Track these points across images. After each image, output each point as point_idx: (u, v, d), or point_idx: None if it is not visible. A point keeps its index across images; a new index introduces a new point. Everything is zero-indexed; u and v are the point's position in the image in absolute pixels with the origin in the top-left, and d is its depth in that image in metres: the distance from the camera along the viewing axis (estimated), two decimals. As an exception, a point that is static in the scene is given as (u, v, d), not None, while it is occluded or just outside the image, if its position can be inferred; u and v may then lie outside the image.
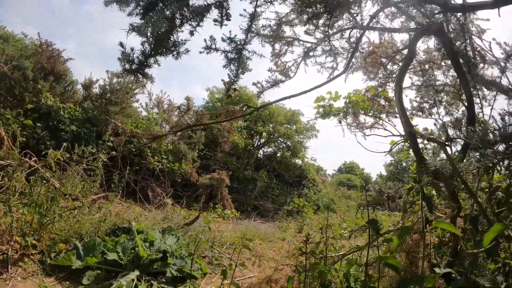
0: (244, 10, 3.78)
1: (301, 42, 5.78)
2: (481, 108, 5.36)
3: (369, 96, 7.46)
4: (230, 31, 3.67)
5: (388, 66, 7.16)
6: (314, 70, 6.16)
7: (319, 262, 5.01)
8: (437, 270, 2.86)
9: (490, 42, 5.54)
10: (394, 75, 7.39)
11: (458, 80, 5.36)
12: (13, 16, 43.67)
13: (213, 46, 3.58)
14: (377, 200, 4.07)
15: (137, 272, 5.07)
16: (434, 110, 7.54)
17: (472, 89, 4.91)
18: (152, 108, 15.03)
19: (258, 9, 3.77)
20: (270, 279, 4.89)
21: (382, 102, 7.86)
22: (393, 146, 8.17)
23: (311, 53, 5.89)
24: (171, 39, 3.21)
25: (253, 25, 4.02)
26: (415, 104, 7.61)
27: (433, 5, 4.37)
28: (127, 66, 3.31)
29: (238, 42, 3.75)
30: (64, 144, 9.99)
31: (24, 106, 10.24)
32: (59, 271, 5.08)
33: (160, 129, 13.55)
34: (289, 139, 19.16)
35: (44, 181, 6.83)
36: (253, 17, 3.78)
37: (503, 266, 3.07)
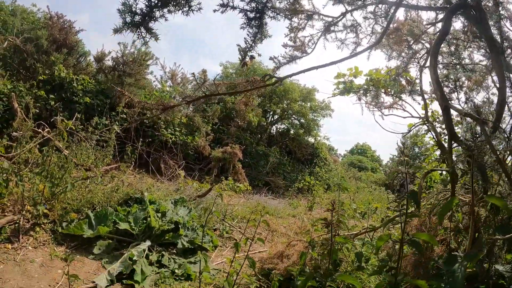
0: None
1: (321, 17, 5.52)
2: (512, 92, 5.12)
3: (391, 75, 7.23)
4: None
5: (413, 46, 6.93)
6: (334, 47, 5.91)
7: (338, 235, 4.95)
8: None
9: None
10: (418, 55, 7.16)
11: (489, 61, 5.16)
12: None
13: (230, 3, 3.25)
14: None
15: (148, 243, 5.06)
16: (454, 95, 7.36)
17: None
18: (166, 81, 14.90)
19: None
20: (282, 254, 4.83)
21: (404, 82, 7.64)
22: (412, 128, 8.00)
23: (332, 28, 5.63)
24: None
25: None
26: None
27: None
28: (128, 19, 2.94)
29: (259, 1, 3.46)
30: (77, 114, 10.00)
31: (37, 78, 10.24)
32: (70, 240, 5.09)
33: (174, 101, 13.45)
34: (303, 116, 18.88)
35: (57, 151, 6.83)
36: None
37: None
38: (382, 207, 12.70)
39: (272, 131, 19.16)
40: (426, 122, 7.34)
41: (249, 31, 3.58)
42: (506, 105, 4.82)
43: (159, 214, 5.77)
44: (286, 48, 5.70)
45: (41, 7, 13.26)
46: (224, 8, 3.25)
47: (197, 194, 7.64)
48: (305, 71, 4.64)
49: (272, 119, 19.23)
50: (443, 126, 7.68)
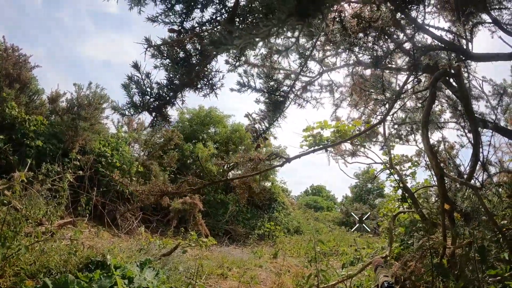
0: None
1: (299, 76, 5.52)
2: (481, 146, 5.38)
3: (356, 127, 7.44)
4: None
5: (377, 97, 7.14)
6: (309, 105, 5.91)
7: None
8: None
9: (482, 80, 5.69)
10: (382, 106, 7.40)
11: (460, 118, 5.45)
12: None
13: (251, 84, 2.95)
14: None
15: (116, 314, 4.55)
16: (411, 137, 7.71)
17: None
18: (122, 126, 14.31)
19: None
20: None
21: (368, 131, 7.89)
22: (378, 173, 8.47)
23: (308, 87, 5.62)
24: (208, 66, 2.57)
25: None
26: (393, 131, 7.75)
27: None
28: (137, 100, 2.43)
29: (285, 84, 3.26)
30: (28, 160, 9.27)
31: (-15, 115, 9.43)
32: (27, 314, 4.48)
33: (129, 148, 12.89)
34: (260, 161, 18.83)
35: (5, 202, 6.14)
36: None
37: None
38: (345, 245, 12.78)
39: (229, 177, 18.88)
40: (389, 167, 7.63)
41: (268, 115, 3.35)
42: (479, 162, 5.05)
43: (126, 281, 5.24)
44: (258, 104, 5.58)
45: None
46: (243, 88, 2.97)
47: (162, 253, 7.13)
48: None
49: (229, 166, 19.02)
50: (403, 168, 8.07)
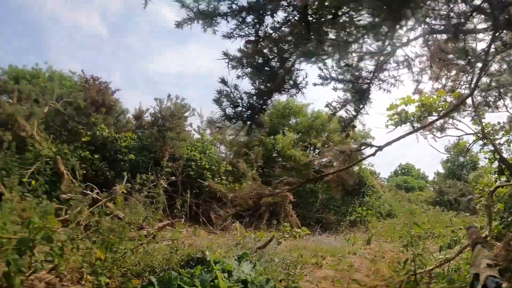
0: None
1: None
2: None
3: (441, 97, 6.92)
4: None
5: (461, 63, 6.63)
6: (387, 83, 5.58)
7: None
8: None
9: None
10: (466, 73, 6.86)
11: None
12: (56, 54, 46.48)
13: (333, 75, 2.91)
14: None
15: (219, 306, 4.75)
16: (500, 103, 7.15)
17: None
18: (204, 129, 14.86)
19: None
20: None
21: (454, 102, 7.32)
22: (471, 145, 7.91)
23: (383, 66, 5.33)
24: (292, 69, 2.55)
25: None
26: (480, 99, 7.16)
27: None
28: (229, 112, 2.56)
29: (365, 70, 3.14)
30: (124, 173, 10.08)
31: (80, 139, 10.47)
32: (137, 311, 4.84)
33: (215, 150, 13.40)
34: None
35: (108, 212, 6.70)
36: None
37: None
38: (440, 226, 11.97)
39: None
40: (482, 137, 7.04)
41: (353, 103, 3.29)
42: None
43: (226, 274, 5.46)
44: (336, 92, 5.37)
45: (76, 71, 13.67)
46: (326, 81, 2.94)
47: (257, 246, 7.32)
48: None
49: (314, 154, 18.83)
50: (497, 137, 7.35)
